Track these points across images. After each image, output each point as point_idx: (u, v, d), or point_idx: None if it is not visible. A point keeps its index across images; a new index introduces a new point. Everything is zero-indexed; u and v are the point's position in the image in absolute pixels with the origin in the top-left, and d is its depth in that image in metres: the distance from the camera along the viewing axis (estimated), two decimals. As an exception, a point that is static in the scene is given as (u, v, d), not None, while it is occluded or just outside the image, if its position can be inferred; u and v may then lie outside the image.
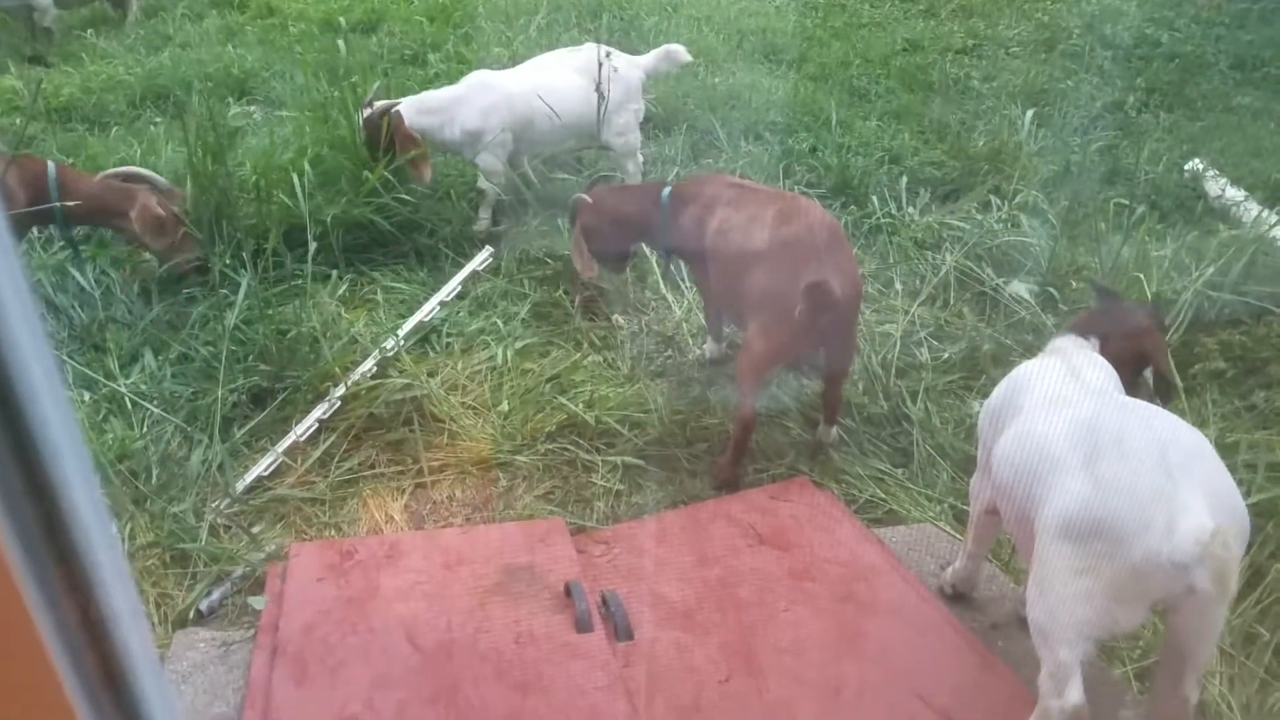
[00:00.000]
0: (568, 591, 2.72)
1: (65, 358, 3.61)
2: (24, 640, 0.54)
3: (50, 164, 4.05)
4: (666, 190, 3.83)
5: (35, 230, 4.38)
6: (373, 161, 4.67)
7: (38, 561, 0.54)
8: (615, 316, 4.29)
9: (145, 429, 3.44)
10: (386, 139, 4.64)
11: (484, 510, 3.33)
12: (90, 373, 3.58)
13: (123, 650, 0.59)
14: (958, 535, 3.14)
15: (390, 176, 4.61)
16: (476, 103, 4.74)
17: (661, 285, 4.45)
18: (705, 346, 4.03)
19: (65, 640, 0.56)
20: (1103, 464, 2.06)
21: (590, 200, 3.98)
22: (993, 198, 5.06)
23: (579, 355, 4.00)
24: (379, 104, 4.71)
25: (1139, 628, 2.40)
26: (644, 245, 4.29)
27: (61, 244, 4.42)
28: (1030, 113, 5.82)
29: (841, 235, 3.37)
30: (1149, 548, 1.94)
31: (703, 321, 4.14)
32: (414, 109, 4.74)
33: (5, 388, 0.52)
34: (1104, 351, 2.54)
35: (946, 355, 3.97)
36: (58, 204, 3.95)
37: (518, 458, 3.49)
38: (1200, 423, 3.32)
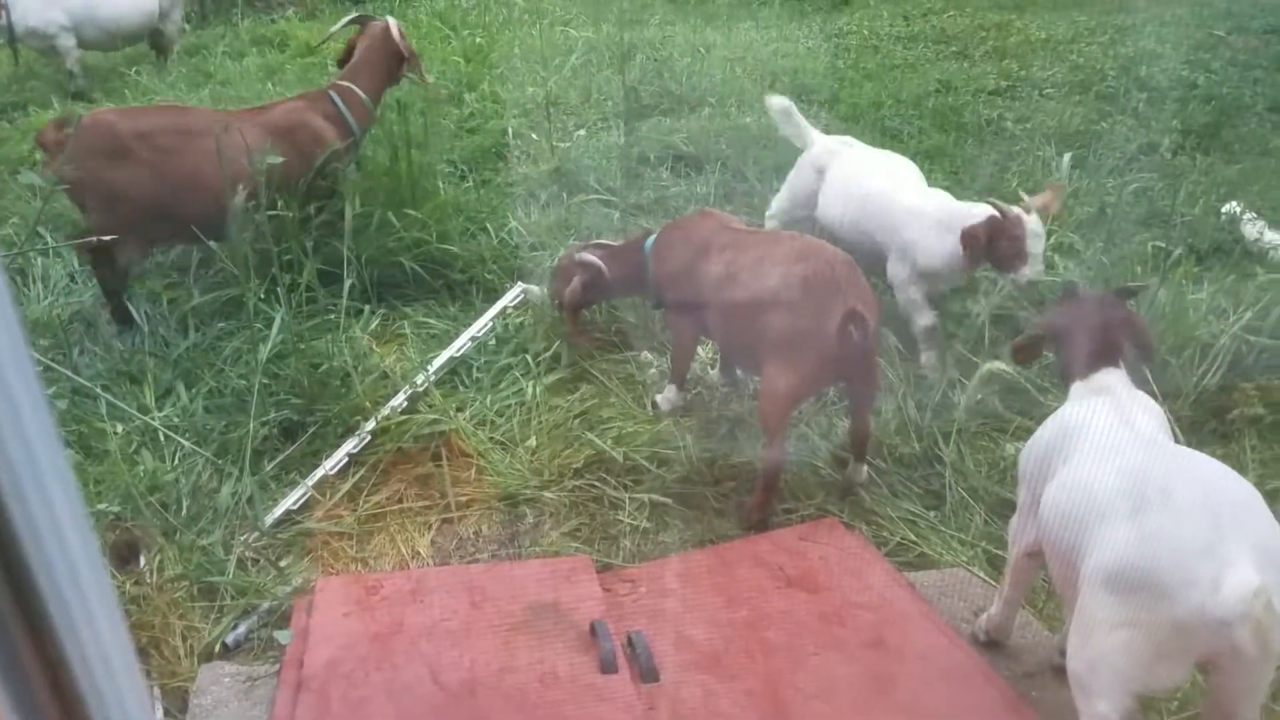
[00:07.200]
0: (593, 631, 2.69)
1: (99, 390, 3.64)
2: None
3: (330, 92, 4.47)
4: (649, 241, 3.89)
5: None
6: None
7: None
8: (644, 353, 4.28)
9: (177, 461, 3.47)
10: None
11: (510, 546, 3.31)
12: (124, 406, 3.61)
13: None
14: (991, 580, 3.09)
15: (423, 217, 4.66)
16: None
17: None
18: (659, 395, 3.96)
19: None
20: (1149, 515, 2.01)
21: (594, 262, 4.01)
22: (1027, 239, 5.00)
23: (599, 392, 3.99)
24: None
25: (1181, 684, 2.33)
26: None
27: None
28: (1067, 155, 5.79)
29: (857, 268, 3.36)
30: (1193, 604, 1.89)
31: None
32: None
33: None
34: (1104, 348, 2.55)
35: (980, 397, 3.92)
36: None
37: (545, 494, 3.47)
38: (1238, 470, 3.23)
